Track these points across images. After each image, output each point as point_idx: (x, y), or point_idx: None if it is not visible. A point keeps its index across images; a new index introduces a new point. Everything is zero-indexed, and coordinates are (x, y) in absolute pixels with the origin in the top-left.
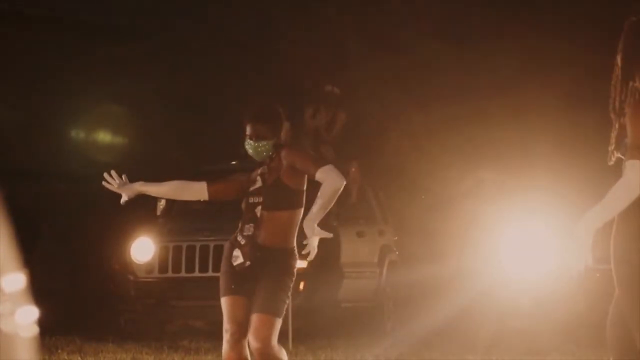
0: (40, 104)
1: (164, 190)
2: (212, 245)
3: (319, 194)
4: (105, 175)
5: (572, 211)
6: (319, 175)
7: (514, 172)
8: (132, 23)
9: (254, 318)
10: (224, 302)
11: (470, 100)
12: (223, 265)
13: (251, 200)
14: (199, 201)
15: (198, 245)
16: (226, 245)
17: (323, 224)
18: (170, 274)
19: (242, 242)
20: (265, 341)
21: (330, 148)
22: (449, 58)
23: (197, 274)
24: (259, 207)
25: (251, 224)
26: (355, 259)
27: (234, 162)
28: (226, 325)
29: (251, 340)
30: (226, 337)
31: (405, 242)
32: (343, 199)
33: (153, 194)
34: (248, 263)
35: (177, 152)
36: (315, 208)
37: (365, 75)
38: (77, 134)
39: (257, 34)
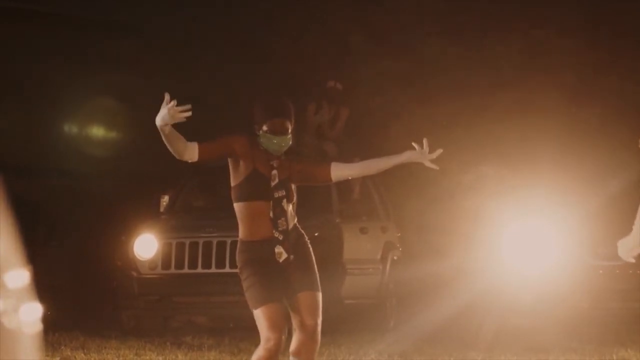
0: (41, 101)
1: (174, 142)
2: (215, 241)
3: (369, 162)
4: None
5: (574, 207)
6: (334, 172)
7: (516, 167)
8: (131, 19)
9: (307, 296)
10: (265, 311)
11: (473, 96)
12: (249, 279)
13: (276, 194)
14: (201, 198)
15: (201, 241)
16: (241, 263)
17: (325, 221)
18: (173, 271)
19: (281, 237)
20: (319, 316)
21: (332, 144)
22: (451, 54)
23: (200, 270)
24: (285, 200)
25: (283, 218)
26: (358, 256)
27: None
28: (269, 334)
29: (307, 318)
30: (268, 345)
31: (408, 238)
32: (345, 196)
33: (167, 136)
34: (292, 256)
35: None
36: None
37: (367, 71)
38: (79, 130)
39: (259, 29)
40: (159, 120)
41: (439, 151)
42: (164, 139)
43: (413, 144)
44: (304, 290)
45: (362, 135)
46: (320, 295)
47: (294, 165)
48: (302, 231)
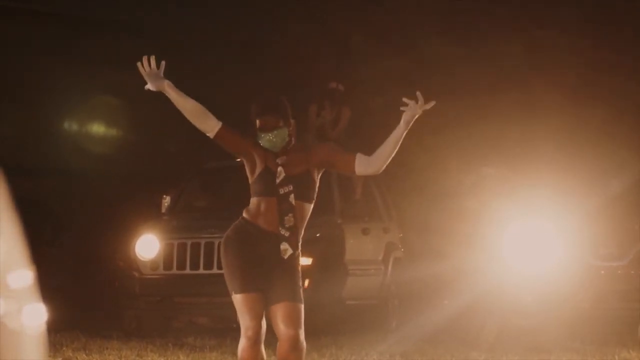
0: (44, 101)
1: (185, 104)
2: (216, 242)
3: (379, 152)
4: (145, 58)
5: (575, 207)
6: (358, 166)
7: (518, 167)
8: (131, 19)
9: (286, 306)
10: (244, 298)
11: (474, 96)
12: (235, 259)
13: (282, 191)
14: (203, 198)
15: (203, 242)
16: (232, 238)
17: (327, 222)
18: (174, 271)
19: (287, 234)
20: (299, 328)
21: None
22: (453, 54)
23: (201, 271)
24: (292, 196)
25: (290, 214)
26: (360, 256)
27: (238, 160)
28: (248, 322)
29: (285, 329)
30: (248, 334)
31: (409, 239)
32: (347, 196)
33: (173, 100)
34: (298, 252)
35: (177, 146)
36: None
37: (368, 71)
38: (82, 131)
39: (261, 30)
40: (151, 87)
41: (418, 94)
42: (174, 103)
43: (401, 108)
44: (284, 301)
45: (362, 136)
46: (301, 307)
47: (313, 156)
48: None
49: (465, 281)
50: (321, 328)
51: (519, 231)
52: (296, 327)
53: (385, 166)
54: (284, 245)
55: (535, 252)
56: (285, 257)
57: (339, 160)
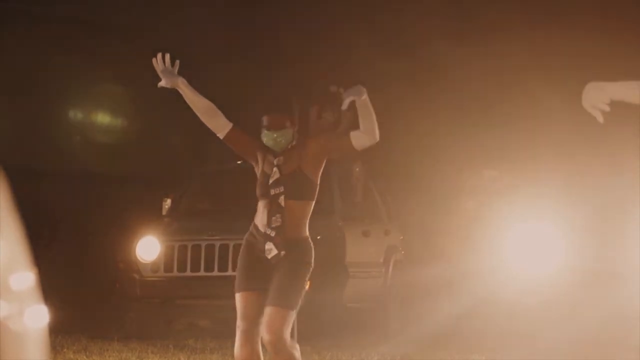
0: (46, 103)
1: (198, 102)
2: (217, 244)
3: (361, 124)
4: (159, 54)
5: (577, 209)
6: (354, 141)
7: (520, 170)
8: (134, 20)
9: (268, 310)
10: (238, 297)
11: (475, 98)
12: (240, 260)
13: (272, 192)
14: (204, 201)
15: (203, 244)
16: (245, 240)
17: (328, 224)
18: (175, 273)
19: (273, 234)
20: (277, 334)
21: None
22: (454, 56)
23: (202, 273)
24: (282, 197)
25: (278, 215)
26: (361, 259)
27: (239, 162)
28: (239, 321)
29: (264, 333)
30: (237, 333)
31: (411, 241)
32: (348, 198)
33: (186, 97)
34: (283, 252)
35: (178, 148)
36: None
37: (370, 75)
38: (82, 130)
39: (263, 32)
40: (165, 84)
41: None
42: (186, 99)
43: (344, 107)
44: (270, 305)
45: None
46: (287, 312)
47: (310, 148)
48: (309, 242)
49: (467, 283)
50: (322, 330)
51: (521, 234)
52: (275, 331)
53: (378, 133)
54: (269, 245)
55: (537, 255)
56: (269, 257)
57: (336, 143)
